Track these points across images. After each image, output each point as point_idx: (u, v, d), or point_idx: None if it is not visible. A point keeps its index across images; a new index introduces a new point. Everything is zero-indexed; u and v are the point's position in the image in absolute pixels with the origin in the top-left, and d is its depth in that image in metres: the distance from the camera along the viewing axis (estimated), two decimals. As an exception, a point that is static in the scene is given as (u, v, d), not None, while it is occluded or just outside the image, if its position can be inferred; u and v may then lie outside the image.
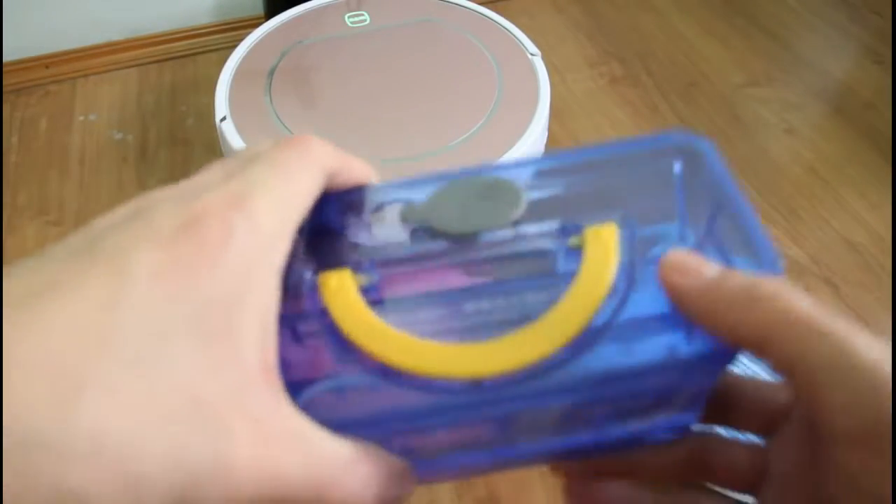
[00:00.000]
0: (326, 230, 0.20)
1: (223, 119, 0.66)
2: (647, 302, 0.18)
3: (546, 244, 0.20)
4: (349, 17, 0.76)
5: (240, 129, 0.65)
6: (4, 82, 0.81)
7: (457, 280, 0.20)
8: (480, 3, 0.81)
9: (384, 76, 0.71)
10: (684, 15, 0.91)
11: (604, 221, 0.20)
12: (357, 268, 0.20)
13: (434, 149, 0.63)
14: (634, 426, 0.20)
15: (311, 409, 0.16)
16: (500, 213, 0.20)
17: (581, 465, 0.22)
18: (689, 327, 0.18)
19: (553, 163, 0.21)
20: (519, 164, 0.21)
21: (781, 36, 0.88)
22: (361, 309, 0.19)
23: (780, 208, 0.68)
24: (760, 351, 0.16)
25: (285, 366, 0.16)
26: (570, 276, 0.19)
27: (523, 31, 0.75)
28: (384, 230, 0.21)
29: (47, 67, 0.83)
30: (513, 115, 0.67)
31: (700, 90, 0.81)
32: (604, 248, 0.19)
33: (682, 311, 0.18)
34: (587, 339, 0.18)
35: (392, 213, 0.20)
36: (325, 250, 0.20)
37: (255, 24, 0.81)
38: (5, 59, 0.82)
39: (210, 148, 0.74)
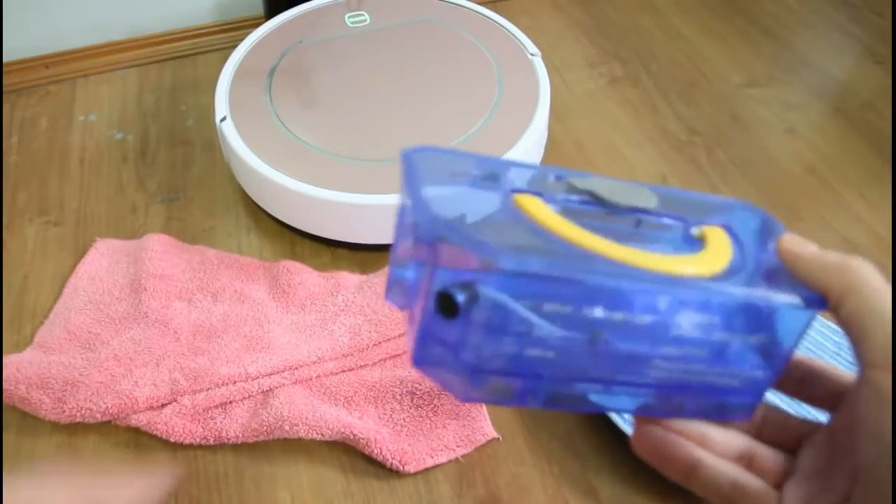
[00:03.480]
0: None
1: (223, 119, 0.66)
2: (752, 276, 0.26)
3: (674, 226, 0.28)
4: (349, 17, 0.76)
5: (240, 129, 0.65)
6: (4, 82, 0.81)
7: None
8: (480, 3, 0.81)
9: (384, 76, 0.71)
10: (684, 15, 0.91)
11: (712, 225, 0.28)
12: (543, 198, 0.26)
13: (434, 149, 0.63)
14: (726, 374, 0.26)
15: (519, 258, 0.22)
16: (641, 199, 0.27)
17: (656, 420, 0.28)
18: (787, 286, 0.25)
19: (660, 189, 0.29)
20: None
21: (781, 36, 0.88)
22: (551, 213, 0.26)
23: (781, 208, 0.68)
24: (839, 300, 0.24)
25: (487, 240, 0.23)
26: (694, 250, 0.26)
27: (523, 31, 0.75)
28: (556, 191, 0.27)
29: (47, 67, 0.83)
30: (513, 115, 0.67)
31: (700, 90, 0.81)
32: (721, 237, 0.27)
33: (792, 269, 0.26)
34: (724, 275, 0.25)
35: (559, 183, 0.28)
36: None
37: (255, 24, 0.81)
38: (5, 59, 0.82)
39: (210, 148, 0.74)
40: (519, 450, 0.51)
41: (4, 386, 0.52)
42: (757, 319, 0.26)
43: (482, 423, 0.52)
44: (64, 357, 0.55)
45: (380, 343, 0.55)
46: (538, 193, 0.27)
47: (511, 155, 0.62)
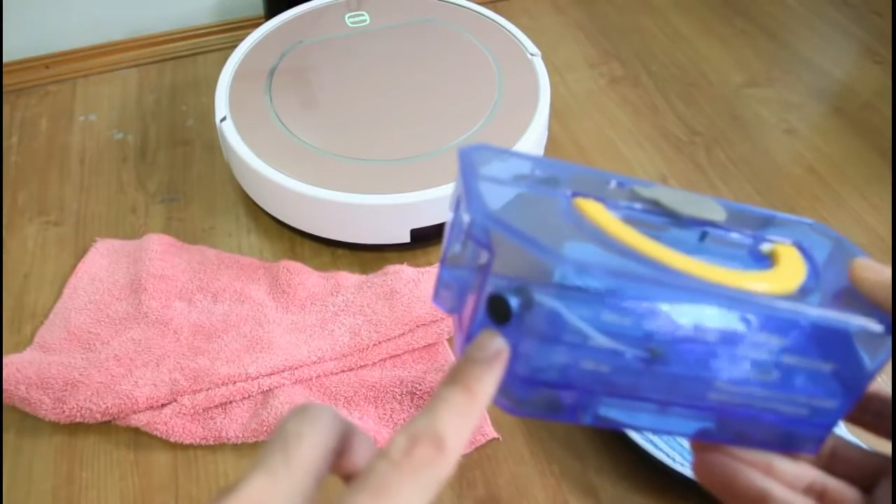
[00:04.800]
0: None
1: (223, 119, 0.66)
2: (827, 298, 0.24)
3: (742, 242, 0.27)
4: (349, 17, 0.76)
5: (240, 129, 0.65)
6: (4, 82, 0.81)
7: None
8: (480, 3, 0.81)
9: (384, 76, 0.71)
10: (684, 15, 0.91)
11: (783, 242, 0.27)
12: (605, 204, 0.25)
13: (434, 149, 0.63)
14: (793, 402, 0.25)
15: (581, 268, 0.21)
16: (709, 212, 0.26)
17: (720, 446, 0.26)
18: (864, 311, 0.24)
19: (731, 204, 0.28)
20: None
21: (781, 36, 0.88)
22: (613, 219, 0.24)
23: (780, 208, 0.68)
24: None
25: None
26: (763, 267, 0.25)
27: (523, 31, 0.75)
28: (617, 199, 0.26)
29: (47, 67, 0.83)
30: (513, 115, 0.67)
31: (700, 90, 0.81)
32: (793, 256, 0.26)
33: (869, 296, 0.24)
34: (796, 295, 0.24)
35: (622, 190, 0.27)
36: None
37: (255, 24, 0.81)
38: (5, 59, 0.82)
39: (210, 148, 0.74)
40: (519, 450, 0.51)
41: (4, 386, 0.52)
42: (831, 345, 0.24)
43: (482, 424, 0.52)
44: (64, 357, 0.55)
45: (380, 343, 0.55)
46: (600, 199, 0.25)
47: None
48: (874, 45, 0.86)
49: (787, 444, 0.26)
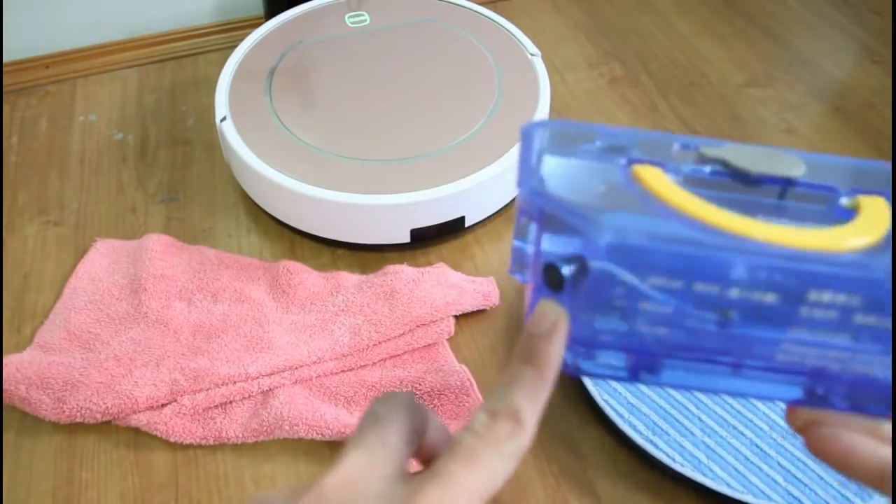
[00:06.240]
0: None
1: (223, 119, 0.66)
2: None
3: (821, 196, 0.25)
4: (349, 17, 0.76)
5: (240, 129, 0.65)
6: (4, 82, 0.81)
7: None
8: (480, 3, 0.82)
9: (384, 76, 0.71)
10: (684, 15, 0.91)
11: (872, 195, 0.25)
12: (664, 169, 0.25)
13: (434, 149, 0.63)
14: (878, 362, 0.23)
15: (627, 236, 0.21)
16: (785, 167, 0.25)
17: (821, 415, 0.25)
18: None
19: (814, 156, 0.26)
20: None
21: (781, 36, 0.88)
22: (668, 183, 0.24)
23: (780, 208, 0.68)
24: None
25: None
26: (842, 223, 0.24)
27: (523, 31, 0.75)
28: (679, 159, 0.26)
29: (47, 67, 0.83)
30: (513, 115, 0.67)
31: (700, 90, 0.81)
32: (879, 207, 0.24)
33: None
34: (874, 251, 0.23)
35: (688, 152, 0.26)
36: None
37: (255, 24, 0.81)
38: (5, 59, 0.82)
39: (210, 148, 0.74)
40: (519, 450, 0.51)
41: (4, 386, 0.52)
42: None
43: (482, 423, 0.52)
44: (64, 357, 0.55)
45: (380, 343, 0.55)
46: (659, 164, 0.25)
47: (511, 155, 0.62)
48: (874, 45, 0.86)
49: (877, 407, 0.24)
